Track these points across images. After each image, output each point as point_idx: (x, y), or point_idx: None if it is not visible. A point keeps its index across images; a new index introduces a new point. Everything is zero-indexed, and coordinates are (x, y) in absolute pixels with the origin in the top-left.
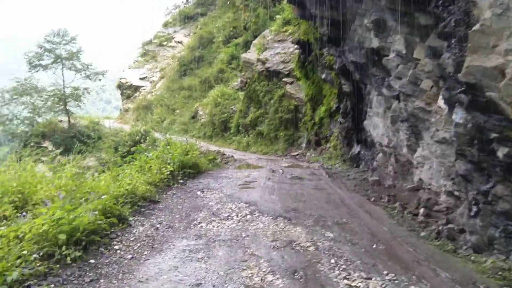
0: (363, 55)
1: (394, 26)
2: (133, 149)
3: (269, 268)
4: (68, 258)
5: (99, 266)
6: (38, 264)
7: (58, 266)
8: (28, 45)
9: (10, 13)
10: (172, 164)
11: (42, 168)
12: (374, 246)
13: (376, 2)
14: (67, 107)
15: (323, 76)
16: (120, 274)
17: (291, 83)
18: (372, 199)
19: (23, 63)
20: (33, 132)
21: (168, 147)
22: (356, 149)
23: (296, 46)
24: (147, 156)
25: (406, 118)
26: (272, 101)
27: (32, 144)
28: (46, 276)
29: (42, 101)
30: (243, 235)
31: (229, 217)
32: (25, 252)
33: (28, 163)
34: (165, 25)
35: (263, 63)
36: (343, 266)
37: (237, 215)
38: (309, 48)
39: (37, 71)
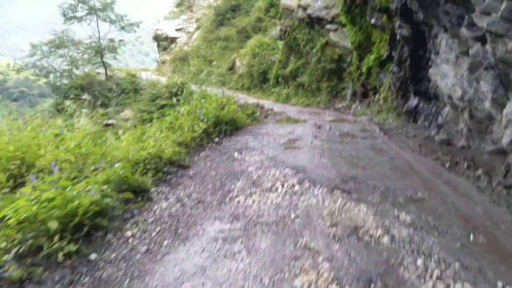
0: None
1: None
2: (163, 102)
3: (333, 274)
4: (60, 254)
5: (101, 264)
6: (12, 268)
7: (41, 269)
8: None
9: None
10: (206, 120)
11: (82, 121)
12: (472, 237)
13: None
14: (104, 59)
15: (373, 20)
16: (127, 280)
17: (335, 30)
18: (447, 165)
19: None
20: (72, 85)
21: (203, 100)
22: (414, 101)
23: None
24: (179, 111)
25: (493, 65)
26: (314, 50)
27: (72, 96)
28: (22, 283)
29: (79, 53)
30: (292, 216)
31: (273, 188)
32: (3, 245)
33: (31, 121)
34: None
35: (304, 9)
36: (436, 272)
37: (283, 185)
38: None
39: (72, 23)
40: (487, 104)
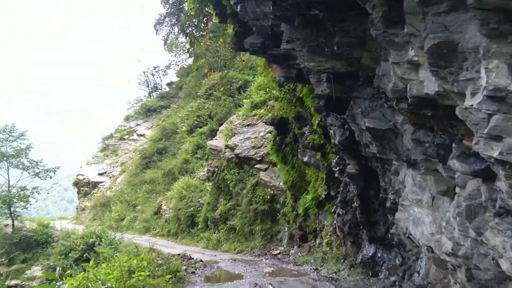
0: (396, 112)
1: (485, 47)
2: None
3: None
4: None
5: None
6: None
7: None
8: None
9: None
10: None
11: None
12: None
13: (439, 18)
14: (14, 209)
15: (305, 159)
16: None
17: (265, 169)
18: None
19: None
20: None
21: (104, 265)
22: (370, 250)
23: (269, 128)
24: None
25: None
26: (244, 191)
27: None
28: None
29: None
30: None
31: None
32: None
33: None
34: (127, 118)
35: (232, 149)
36: None
37: None
38: (286, 128)
39: None
40: (506, 265)
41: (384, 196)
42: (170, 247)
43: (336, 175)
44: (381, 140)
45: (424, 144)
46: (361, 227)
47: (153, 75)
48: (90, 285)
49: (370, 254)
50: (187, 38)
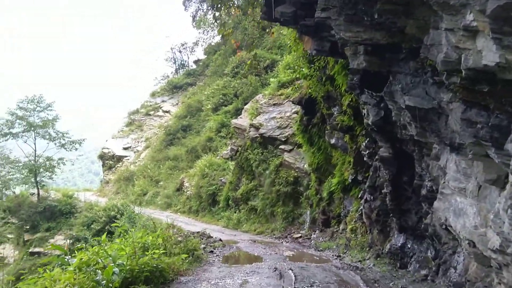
0: (442, 90)
1: None
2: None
3: None
4: None
5: None
6: None
7: None
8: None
9: None
10: (104, 283)
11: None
12: None
13: None
14: (40, 179)
15: (333, 141)
16: None
17: (290, 151)
18: None
19: None
20: None
21: (118, 240)
22: (398, 239)
23: (295, 108)
24: (68, 263)
25: None
26: (267, 172)
27: None
28: None
29: (11, 173)
30: None
31: None
32: None
33: None
34: (153, 94)
35: (257, 128)
36: None
37: None
38: (314, 108)
39: (6, 140)
40: None
41: (419, 183)
42: (190, 224)
43: (364, 159)
44: (422, 121)
45: (476, 125)
46: (391, 215)
47: (180, 51)
48: (100, 261)
49: (399, 244)
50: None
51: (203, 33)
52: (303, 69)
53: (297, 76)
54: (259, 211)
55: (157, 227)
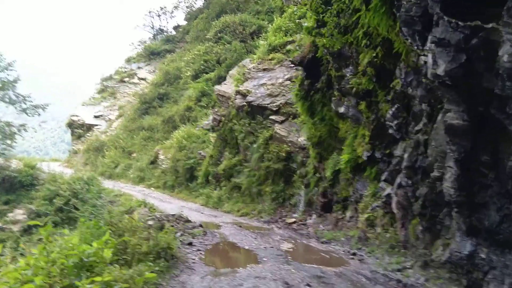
0: None
1: None
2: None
3: None
4: None
5: None
6: None
7: None
8: None
9: None
10: None
11: None
12: None
13: None
14: (1, 146)
15: (341, 109)
16: None
17: (282, 122)
18: None
19: None
20: None
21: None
22: (464, 245)
23: (289, 74)
24: None
25: None
26: (255, 146)
27: None
28: None
29: None
30: None
31: None
32: None
33: None
34: (128, 60)
35: (244, 96)
36: None
37: None
38: (318, 71)
39: None
40: None
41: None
42: (165, 201)
43: (390, 131)
44: None
45: None
46: (454, 208)
47: (159, 16)
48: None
49: (467, 252)
50: None
51: None
52: (309, 22)
53: (292, 39)
54: (243, 189)
55: (114, 216)
